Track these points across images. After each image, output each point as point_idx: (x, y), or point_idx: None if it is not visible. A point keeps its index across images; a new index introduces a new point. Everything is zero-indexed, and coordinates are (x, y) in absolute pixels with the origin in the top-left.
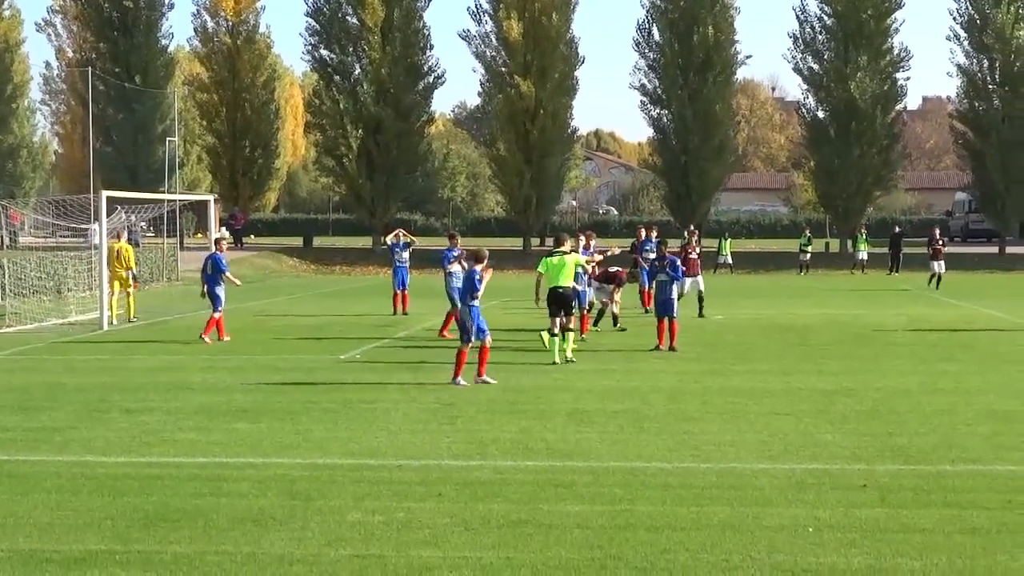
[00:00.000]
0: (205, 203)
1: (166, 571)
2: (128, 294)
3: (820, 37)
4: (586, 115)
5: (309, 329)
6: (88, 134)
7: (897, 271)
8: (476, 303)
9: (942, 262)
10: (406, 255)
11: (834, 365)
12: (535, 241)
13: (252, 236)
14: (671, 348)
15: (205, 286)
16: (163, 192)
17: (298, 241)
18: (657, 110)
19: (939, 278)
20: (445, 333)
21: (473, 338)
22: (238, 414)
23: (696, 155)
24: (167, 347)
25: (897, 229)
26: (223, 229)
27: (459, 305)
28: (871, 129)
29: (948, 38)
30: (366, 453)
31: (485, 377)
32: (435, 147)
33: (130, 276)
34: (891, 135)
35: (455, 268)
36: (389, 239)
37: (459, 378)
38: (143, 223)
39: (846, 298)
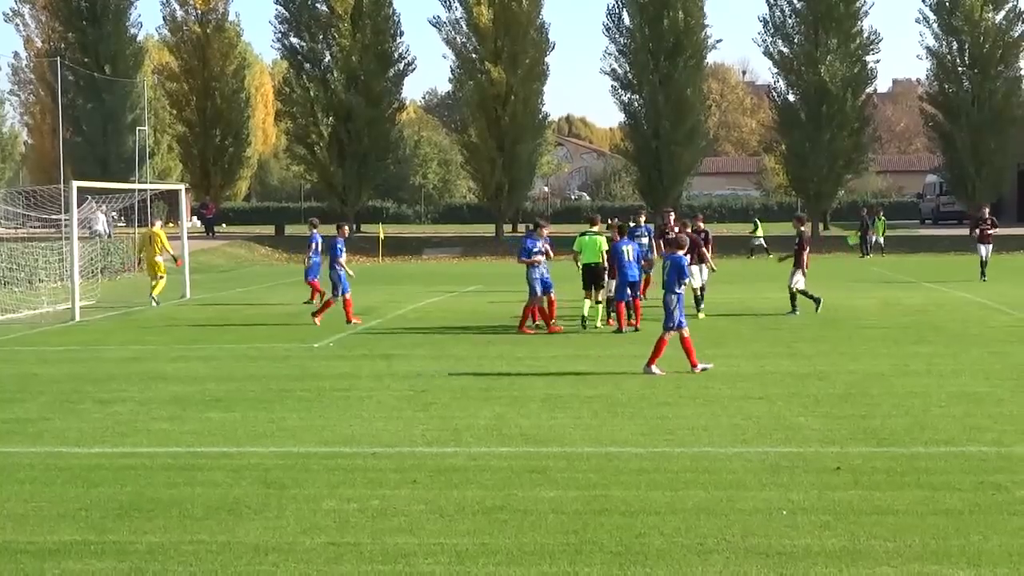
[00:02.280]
0: (176, 192)
1: (141, 561)
2: (161, 278)
3: (790, 21)
4: (557, 101)
5: (282, 317)
6: (58, 124)
7: (868, 254)
8: (681, 291)
9: (990, 247)
10: (314, 247)
11: (806, 348)
12: (507, 228)
13: (224, 225)
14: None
15: (330, 270)
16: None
17: (270, 230)
18: (628, 95)
19: (984, 265)
20: (524, 329)
21: (674, 327)
22: (211, 403)
23: (667, 140)
24: (139, 337)
25: (866, 212)
26: (195, 219)
27: (669, 294)
28: (841, 112)
29: (917, 20)
30: (340, 441)
31: (654, 368)
32: (406, 134)
33: (163, 260)
34: (861, 118)
35: (540, 257)
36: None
37: (653, 366)
38: (114, 213)
39: (817, 282)
